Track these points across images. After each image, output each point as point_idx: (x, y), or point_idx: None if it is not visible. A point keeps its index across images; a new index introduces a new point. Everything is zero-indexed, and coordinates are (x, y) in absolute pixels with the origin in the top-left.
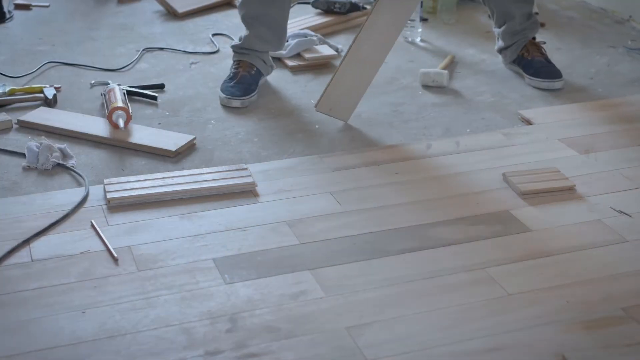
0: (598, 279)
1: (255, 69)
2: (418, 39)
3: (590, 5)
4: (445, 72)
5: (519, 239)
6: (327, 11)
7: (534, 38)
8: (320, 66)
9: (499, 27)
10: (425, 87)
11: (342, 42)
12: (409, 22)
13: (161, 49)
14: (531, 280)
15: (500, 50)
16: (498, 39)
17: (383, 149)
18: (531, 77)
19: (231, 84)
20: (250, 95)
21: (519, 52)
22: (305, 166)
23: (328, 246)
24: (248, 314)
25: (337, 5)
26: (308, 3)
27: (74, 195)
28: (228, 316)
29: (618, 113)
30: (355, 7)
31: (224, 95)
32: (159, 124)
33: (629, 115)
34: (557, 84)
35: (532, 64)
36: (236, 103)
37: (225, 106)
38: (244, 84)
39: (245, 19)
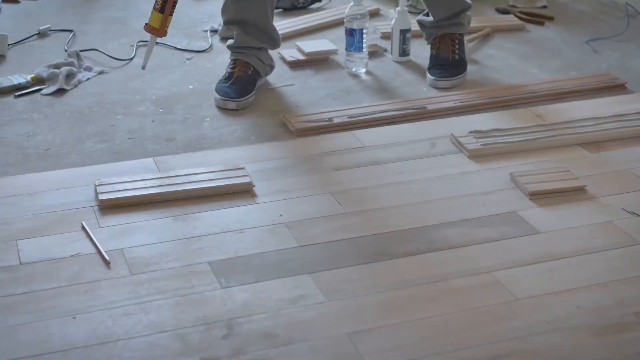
0: (609, 283)
1: (252, 68)
2: (363, 70)
3: None
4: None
5: (527, 242)
6: (291, 8)
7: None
8: (320, 61)
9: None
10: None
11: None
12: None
13: (156, 43)
14: (540, 285)
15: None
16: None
17: (385, 148)
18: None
19: (227, 84)
20: (246, 97)
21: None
22: (305, 166)
23: (328, 249)
24: (245, 320)
25: (300, 0)
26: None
27: (64, 196)
28: (224, 322)
29: (630, 110)
30: None
31: (219, 97)
32: (153, 121)
33: None
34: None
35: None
36: (232, 105)
37: (221, 107)
38: (240, 84)
39: (227, 24)
